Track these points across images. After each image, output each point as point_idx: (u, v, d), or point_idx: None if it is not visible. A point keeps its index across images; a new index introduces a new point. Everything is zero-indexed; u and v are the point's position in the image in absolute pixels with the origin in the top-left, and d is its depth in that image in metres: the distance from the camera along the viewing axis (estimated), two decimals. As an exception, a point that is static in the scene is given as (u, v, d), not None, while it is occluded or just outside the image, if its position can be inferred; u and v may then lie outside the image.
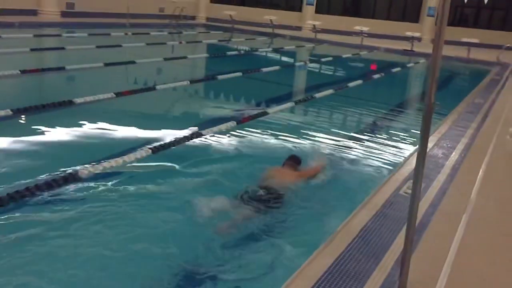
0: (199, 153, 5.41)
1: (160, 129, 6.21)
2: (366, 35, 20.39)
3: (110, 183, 4.34)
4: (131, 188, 4.30)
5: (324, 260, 3.10)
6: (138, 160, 4.95)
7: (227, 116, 7.12)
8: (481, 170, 5.13)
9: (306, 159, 4.98)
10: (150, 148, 5.25)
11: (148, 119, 6.66)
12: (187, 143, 5.68)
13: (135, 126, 6.30)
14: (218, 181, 4.62)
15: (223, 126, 6.42)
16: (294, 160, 4.71)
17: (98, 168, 4.62)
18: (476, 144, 6.18)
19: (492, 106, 8.87)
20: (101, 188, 4.22)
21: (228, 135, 6.21)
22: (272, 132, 6.51)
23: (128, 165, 4.82)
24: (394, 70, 14.38)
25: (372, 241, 3.43)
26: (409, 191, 4.54)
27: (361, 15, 25.80)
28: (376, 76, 12.58)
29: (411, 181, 4.83)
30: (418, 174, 2.72)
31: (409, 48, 19.08)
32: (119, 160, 4.81)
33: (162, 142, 5.53)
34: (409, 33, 19.69)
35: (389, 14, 25.64)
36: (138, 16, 20.72)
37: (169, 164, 4.99)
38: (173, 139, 5.70)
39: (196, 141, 5.80)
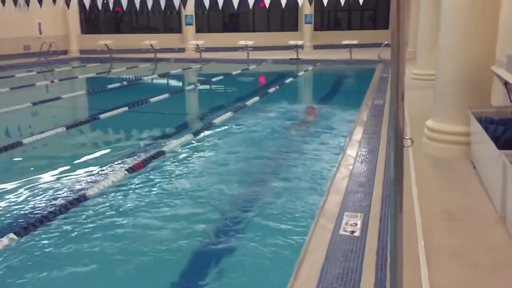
0: (81, 226, 4.20)
1: (25, 202, 4.82)
2: (251, 48, 20.19)
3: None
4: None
5: None
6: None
7: (115, 165, 5.95)
8: (412, 184, 4.64)
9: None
10: (14, 232, 3.96)
11: (11, 186, 5.24)
12: (65, 214, 4.44)
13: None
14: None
15: (111, 180, 5.27)
16: (312, 107, 8.83)
17: None
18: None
19: (392, 106, 8.73)
20: None
21: (119, 189, 5.07)
22: (173, 176, 5.51)
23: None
24: (287, 80, 14.11)
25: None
26: (351, 228, 3.86)
27: (241, 29, 25.73)
28: (271, 90, 12.12)
29: (347, 214, 4.19)
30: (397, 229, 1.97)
31: (295, 57, 19.19)
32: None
33: (26, 224, 4.21)
34: (292, 42, 19.82)
35: (269, 25, 25.87)
36: (-1, 58, 18.35)
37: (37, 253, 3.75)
38: (44, 214, 4.41)
39: (78, 209, 4.57)
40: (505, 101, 5.41)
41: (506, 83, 4.85)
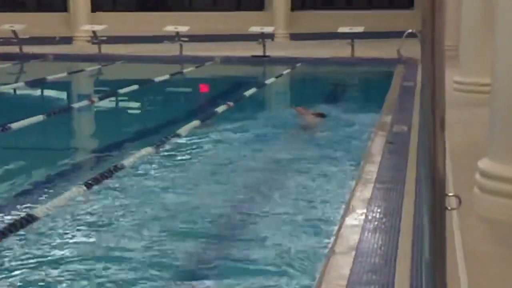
0: None
1: None
2: (186, 39, 20.39)
3: None
4: None
5: None
6: None
7: None
8: (460, 267, 4.72)
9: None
10: None
11: None
12: None
13: None
14: None
15: None
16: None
17: None
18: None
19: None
20: None
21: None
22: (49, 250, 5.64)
23: None
24: (248, 93, 14.25)
25: None
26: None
27: (170, 7, 26.03)
28: (220, 108, 12.19)
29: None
30: None
31: (261, 53, 19.44)
32: None
33: None
34: (255, 29, 20.15)
35: (216, 1, 26.35)
36: None
37: None
38: None
39: None
40: None
41: None
